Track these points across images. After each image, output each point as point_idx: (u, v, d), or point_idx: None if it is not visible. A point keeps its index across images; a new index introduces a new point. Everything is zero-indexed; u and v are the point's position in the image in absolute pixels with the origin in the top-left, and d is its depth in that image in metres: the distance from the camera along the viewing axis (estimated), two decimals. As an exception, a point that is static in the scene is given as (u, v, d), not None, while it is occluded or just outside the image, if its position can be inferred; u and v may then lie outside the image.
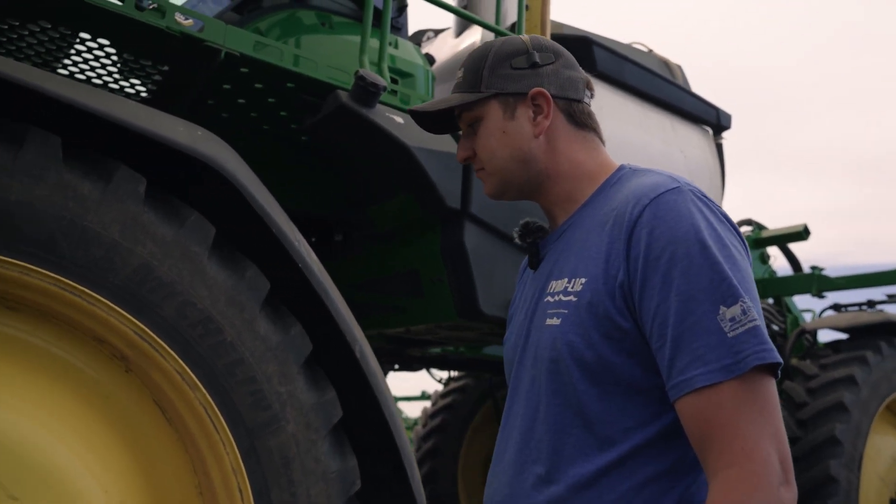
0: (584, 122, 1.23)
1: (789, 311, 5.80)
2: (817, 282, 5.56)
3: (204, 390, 1.76)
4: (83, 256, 1.64)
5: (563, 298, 1.09)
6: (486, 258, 2.51)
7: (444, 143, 2.53)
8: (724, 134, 5.46)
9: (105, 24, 2.13)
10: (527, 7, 3.88)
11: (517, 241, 1.29)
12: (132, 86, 2.56)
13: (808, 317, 6.09)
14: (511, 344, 1.26)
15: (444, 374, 6.30)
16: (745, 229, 6.24)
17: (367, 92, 2.35)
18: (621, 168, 1.21)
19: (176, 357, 1.74)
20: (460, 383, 6.36)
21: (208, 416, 1.78)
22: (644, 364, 1.03)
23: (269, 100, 2.60)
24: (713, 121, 5.29)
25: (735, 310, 0.94)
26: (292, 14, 3.06)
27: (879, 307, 4.88)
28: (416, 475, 2.06)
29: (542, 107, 1.20)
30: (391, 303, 2.64)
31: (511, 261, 2.55)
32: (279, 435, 1.85)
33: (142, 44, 2.24)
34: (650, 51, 5.48)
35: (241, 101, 2.61)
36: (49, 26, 2.16)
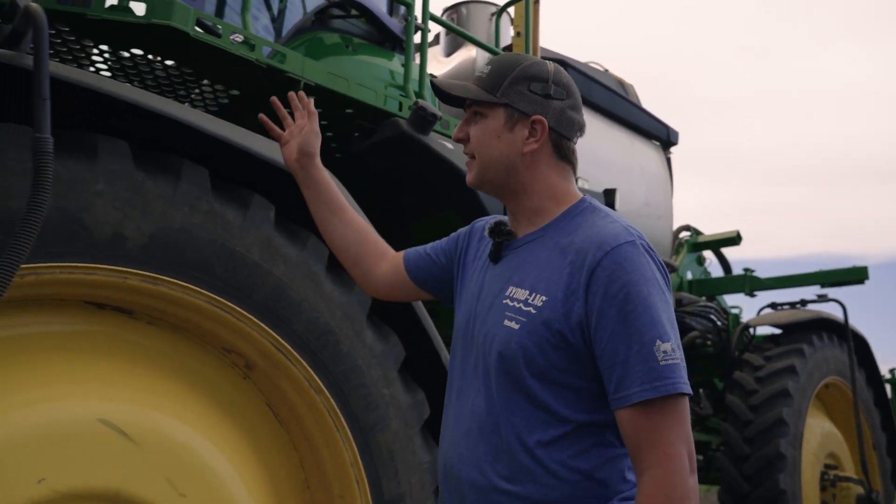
0: (566, 156, 1.41)
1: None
2: (749, 282, 6.19)
3: (328, 394, 1.98)
4: (233, 277, 1.82)
5: (524, 308, 1.30)
6: (524, 270, 2.81)
7: (488, 166, 2.81)
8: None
9: (194, 54, 2.27)
10: (518, 34, 4.19)
11: (487, 234, 1.48)
12: (195, 106, 2.69)
13: (735, 313, 6.74)
14: (462, 320, 1.45)
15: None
16: (683, 234, 6.84)
17: (424, 121, 2.60)
18: (583, 200, 1.40)
19: (306, 366, 1.94)
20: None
21: (331, 418, 1.99)
22: (580, 372, 1.27)
23: (322, 122, 2.79)
24: (663, 137, 5.79)
25: (667, 346, 1.19)
26: (316, 36, 3.25)
27: (810, 305, 5.54)
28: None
29: (537, 132, 1.36)
30: (427, 307, 2.90)
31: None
32: (385, 432, 2.08)
33: (224, 72, 2.40)
34: (606, 70, 5.92)
35: (293, 122, 2.79)
36: (141, 53, 2.29)
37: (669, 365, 1.18)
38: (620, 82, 5.86)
